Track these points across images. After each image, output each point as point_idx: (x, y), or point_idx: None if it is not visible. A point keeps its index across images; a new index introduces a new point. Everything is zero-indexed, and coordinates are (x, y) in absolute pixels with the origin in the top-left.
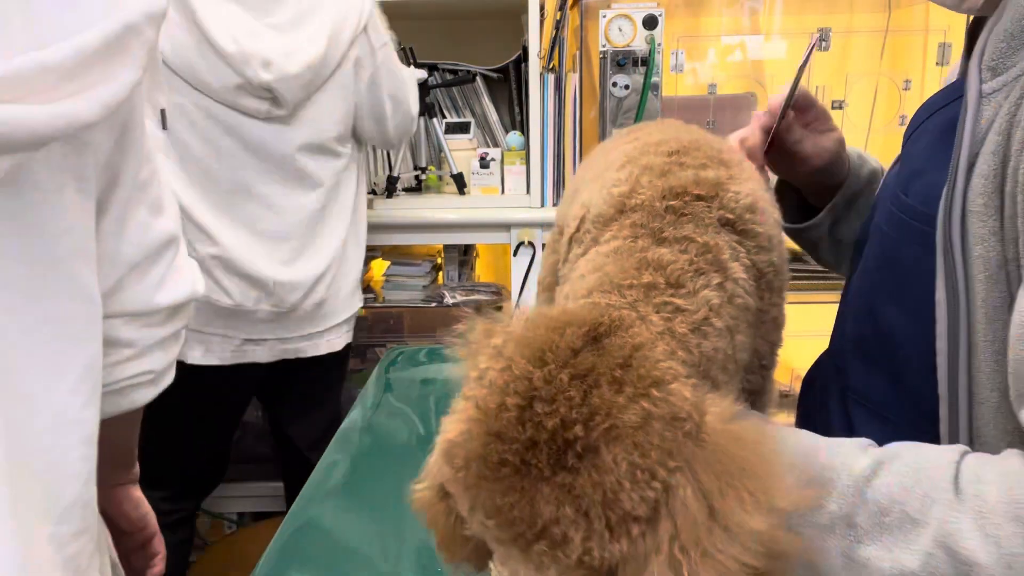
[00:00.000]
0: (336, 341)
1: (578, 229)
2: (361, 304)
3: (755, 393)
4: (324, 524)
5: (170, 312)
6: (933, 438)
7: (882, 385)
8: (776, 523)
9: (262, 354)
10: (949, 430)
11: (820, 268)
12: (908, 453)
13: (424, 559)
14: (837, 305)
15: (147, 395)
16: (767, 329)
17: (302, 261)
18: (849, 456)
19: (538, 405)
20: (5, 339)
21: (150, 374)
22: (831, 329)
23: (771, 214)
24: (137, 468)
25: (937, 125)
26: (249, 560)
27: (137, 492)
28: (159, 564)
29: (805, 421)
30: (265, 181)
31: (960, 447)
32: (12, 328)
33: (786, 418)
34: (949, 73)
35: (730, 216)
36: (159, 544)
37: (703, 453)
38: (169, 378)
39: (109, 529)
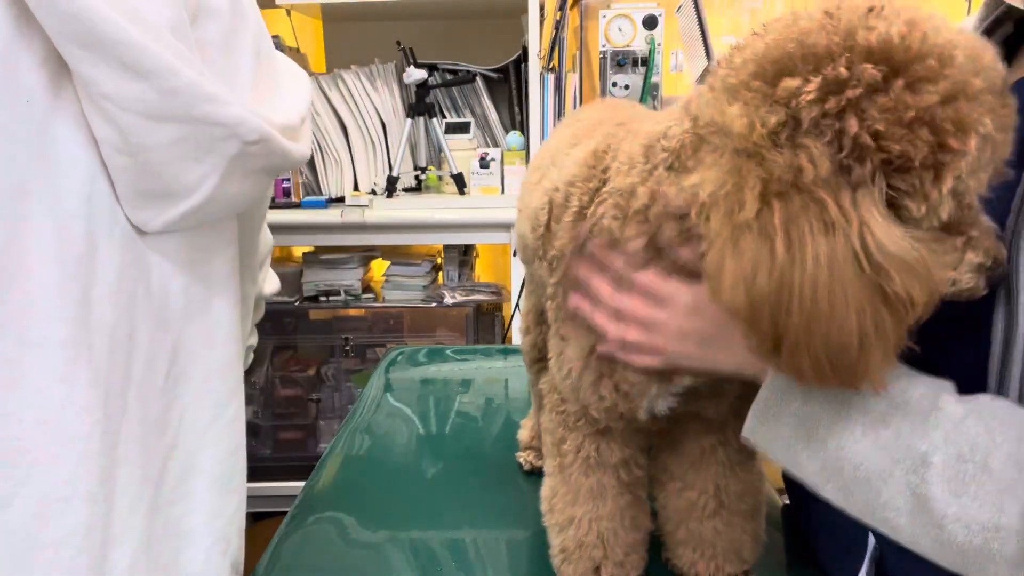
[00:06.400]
0: None
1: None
2: None
3: None
4: (323, 524)
5: (262, 301)
6: None
7: None
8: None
9: None
10: None
11: None
12: (999, 408)
13: (424, 559)
14: None
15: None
16: None
17: None
18: (941, 399)
19: None
20: (226, 303)
21: (251, 348)
22: None
23: None
24: None
25: None
26: (249, 560)
27: None
28: None
29: None
30: None
31: None
32: (227, 299)
33: None
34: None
35: None
36: None
37: None
38: (250, 357)
39: None
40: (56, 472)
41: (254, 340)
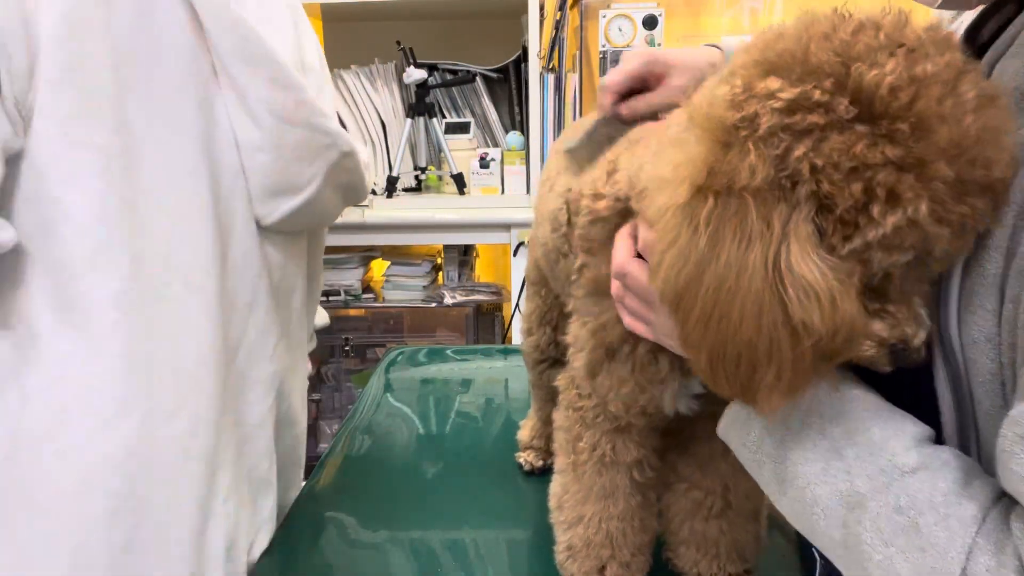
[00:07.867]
0: None
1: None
2: None
3: None
4: (323, 524)
5: (314, 332)
6: None
7: None
8: None
9: None
10: None
11: None
12: (955, 468)
13: (424, 559)
14: None
15: None
16: None
17: None
18: (899, 445)
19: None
20: (300, 302)
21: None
22: None
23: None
24: None
25: None
26: None
27: None
28: None
29: None
30: None
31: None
32: (300, 298)
33: None
34: None
35: None
36: None
37: None
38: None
39: None
40: (206, 396)
41: (310, 367)
